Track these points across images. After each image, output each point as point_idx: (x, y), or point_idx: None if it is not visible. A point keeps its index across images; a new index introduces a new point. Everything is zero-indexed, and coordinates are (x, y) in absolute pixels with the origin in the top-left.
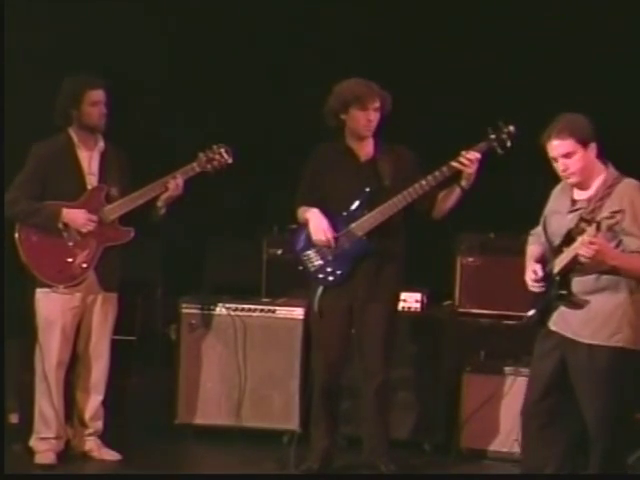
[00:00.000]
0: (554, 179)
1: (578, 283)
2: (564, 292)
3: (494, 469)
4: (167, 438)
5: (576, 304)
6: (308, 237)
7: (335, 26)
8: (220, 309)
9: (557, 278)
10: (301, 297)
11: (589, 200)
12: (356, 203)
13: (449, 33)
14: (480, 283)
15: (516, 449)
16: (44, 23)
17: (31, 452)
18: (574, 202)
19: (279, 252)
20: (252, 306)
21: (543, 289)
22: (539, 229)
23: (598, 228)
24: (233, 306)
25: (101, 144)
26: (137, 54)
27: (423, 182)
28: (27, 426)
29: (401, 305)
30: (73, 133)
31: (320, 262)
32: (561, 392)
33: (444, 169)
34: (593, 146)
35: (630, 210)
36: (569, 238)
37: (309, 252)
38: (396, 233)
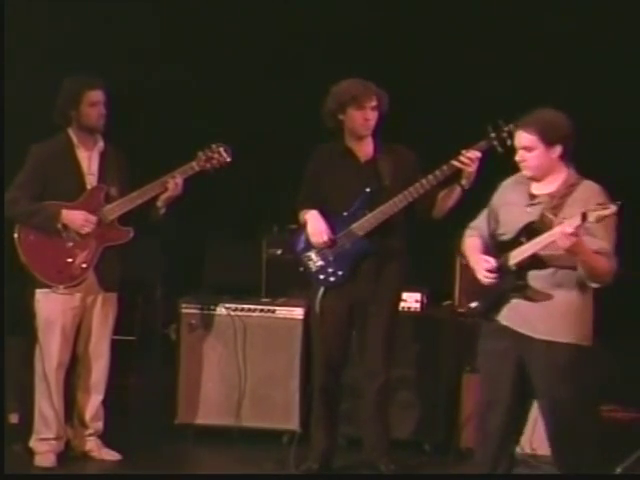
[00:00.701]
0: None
1: (535, 278)
2: (523, 283)
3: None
4: (167, 438)
5: (532, 297)
6: (308, 238)
7: (335, 26)
8: (220, 309)
9: (514, 269)
10: (301, 297)
11: (551, 196)
12: (356, 203)
13: (449, 33)
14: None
15: (516, 449)
16: (44, 23)
17: (31, 452)
18: (533, 196)
19: (279, 252)
20: (252, 306)
21: (495, 280)
22: (479, 222)
23: (584, 219)
24: (233, 306)
25: (100, 144)
26: (137, 54)
27: (423, 181)
28: (27, 426)
29: (401, 305)
30: (72, 133)
31: (321, 263)
32: (520, 392)
33: (444, 168)
34: (558, 149)
35: None
36: (530, 230)
37: (310, 253)
38: (397, 233)
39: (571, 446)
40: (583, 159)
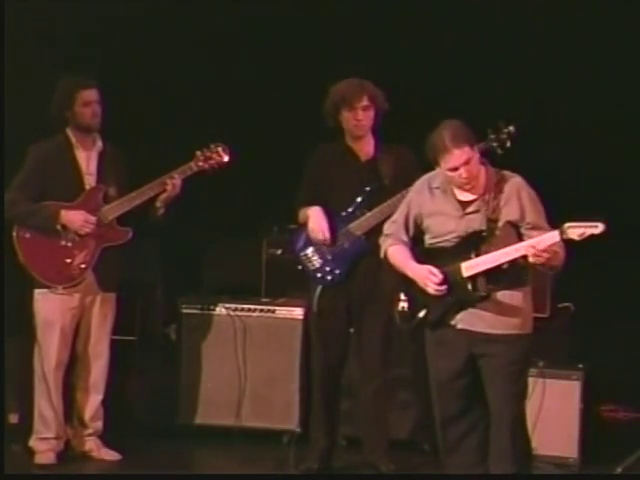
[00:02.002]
0: (552, 179)
1: (487, 280)
2: (484, 294)
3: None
4: (167, 438)
5: (492, 302)
6: (307, 237)
7: (335, 26)
8: (220, 309)
9: (469, 281)
10: (301, 297)
11: (485, 201)
12: (356, 203)
13: (449, 33)
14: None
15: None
16: (44, 23)
17: (31, 452)
18: (463, 203)
19: (279, 252)
20: (252, 306)
21: (446, 292)
22: (396, 230)
23: (562, 234)
24: (233, 306)
25: (99, 144)
26: (137, 54)
27: None
28: (27, 426)
29: (401, 305)
30: (71, 134)
31: (319, 261)
32: (470, 391)
33: None
34: (476, 148)
35: (530, 204)
36: (479, 240)
37: (308, 252)
38: None
39: (515, 441)
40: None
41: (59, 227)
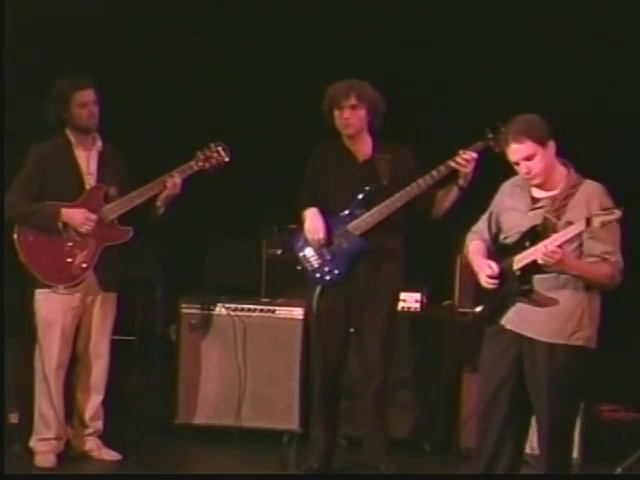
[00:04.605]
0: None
1: (539, 280)
2: (528, 287)
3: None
4: (167, 438)
5: (538, 301)
6: (306, 237)
7: (335, 25)
8: (220, 309)
9: (518, 273)
10: (301, 297)
11: (553, 199)
12: (354, 203)
13: (449, 33)
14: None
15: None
16: (44, 22)
17: (31, 452)
18: (535, 200)
19: (279, 252)
20: (252, 306)
21: (497, 285)
22: (480, 226)
23: (588, 224)
24: (233, 306)
25: (99, 144)
26: (137, 53)
27: (420, 181)
28: (27, 426)
29: (401, 305)
30: (70, 134)
31: (318, 262)
32: (516, 392)
33: (441, 168)
34: (551, 144)
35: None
36: (534, 234)
37: (307, 252)
38: (395, 232)
39: (562, 446)
40: (585, 159)
41: (60, 226)
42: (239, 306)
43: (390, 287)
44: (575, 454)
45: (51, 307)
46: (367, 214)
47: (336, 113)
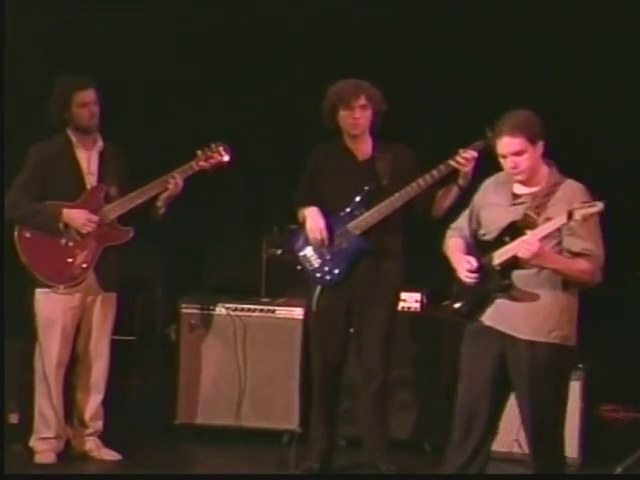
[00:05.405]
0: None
1: (518, 277)
2: (508, 283)
3: (494, 469)
4: (167, 438)
5: (517, 297)
6: (306, 237)
7: (335, 26)
8: (220, 309)
9: (498, 269)
10: (301, 297)
11: (534, 195)
12: (354, 202)
13: (449, 33)
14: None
15: (516, 449)
16: (44, 22)
17: (31, 452)
18: (516, 196)
19: (279, 252)
20: (252, 306)
21: (476, 281)
22: (460, 223)
23: (570, 217)
24: (233, 306)
25: (100, 144)
26: (137, 53)
27: (420, 181)
28: (27, 426)
29: (401, 305)
30: (71, 134)
31: (318, 262)
32: (500, 391)
33: (441, 168)
34: (541, 144)
35: None
36: (514, 230)
37: (307, 252)
38: (395, 232)
39: (549, 445)
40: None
41: (61, 226)
42: (239, 306)
43: (390, 287)
44: (575, 454)
45: (51, 307)
46: (367, 214)
47: (343, 113)
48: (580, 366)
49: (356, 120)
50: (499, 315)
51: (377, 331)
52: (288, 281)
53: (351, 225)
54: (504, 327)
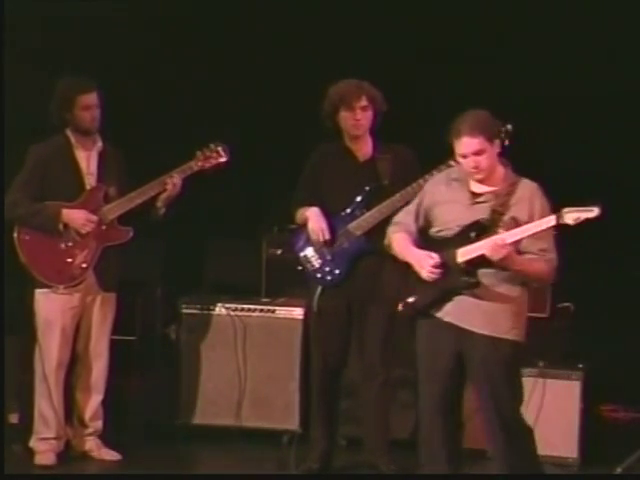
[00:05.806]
0: (551, 179)
1: (482, 275)
2: (475, 281)
3: (494, 469)
4: (167, 438)
5: (480, 295)
6: (307, 237)
7: (335, 26)
8: (220, 309)
9: (463, 266)
10: (301, 297)
11: (495, 194)
12: (355, 203)
13: (449, 33)
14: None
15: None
16: (45, 22)
17: (31, 452)
18: (475, 194)
19: (279, 252)
20: (252, 306)
21: (439, 277)
22: (405, 219)
23: (558, 220)
24: (233, 306)
25: (99, 144)
26: (137, 53)
27: (421, 181)
28: (27, 426)
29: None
30: (70, 134)
31: (319, 262)
32: (460, 387)
33: (442, 167)
34: (497, 143)
35: (540, 213)
36: (479, 228)
37: (308, 252)
38: None
39: (511, 442)
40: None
41: (61, 226)
42: (239, 306)
43: (390, 287)
44: (575, 454)
45: (51, 307)
46: (368, 214)
47: (344, 114)
48: (580, 366)
49: (357, 121)
50: (460, 312)
51: (377, 331)
52: (288, 281)
53: (352, 225)
54: (465, 324)
